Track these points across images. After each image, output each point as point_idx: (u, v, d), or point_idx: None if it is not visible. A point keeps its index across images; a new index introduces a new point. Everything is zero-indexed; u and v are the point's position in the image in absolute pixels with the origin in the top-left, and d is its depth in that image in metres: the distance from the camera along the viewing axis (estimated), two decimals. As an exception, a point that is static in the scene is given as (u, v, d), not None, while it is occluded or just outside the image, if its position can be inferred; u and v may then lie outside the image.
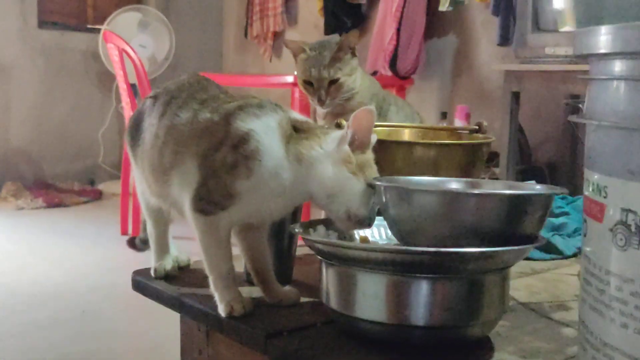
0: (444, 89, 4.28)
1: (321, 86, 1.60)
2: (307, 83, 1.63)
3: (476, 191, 0.88)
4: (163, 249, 1.20)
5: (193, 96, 1.08)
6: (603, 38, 0.64)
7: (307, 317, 1.00)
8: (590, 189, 0.69)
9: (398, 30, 4.06)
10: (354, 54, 1.65)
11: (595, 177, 0.67)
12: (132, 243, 1.33)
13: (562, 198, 1.71)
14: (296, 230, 0.97)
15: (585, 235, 0.71)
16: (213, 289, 1.01)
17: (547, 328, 1.00)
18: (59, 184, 5.23)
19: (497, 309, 0.90)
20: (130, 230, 3.89)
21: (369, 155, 1.00)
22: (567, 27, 3.15)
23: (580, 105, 1.41)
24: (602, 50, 0.64)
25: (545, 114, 3.72)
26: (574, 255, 1.41)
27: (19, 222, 4.36)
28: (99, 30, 5.00)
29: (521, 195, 0.86)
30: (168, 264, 1.18)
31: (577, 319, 1.02)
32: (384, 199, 0.94)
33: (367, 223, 0.98)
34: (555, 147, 3.71)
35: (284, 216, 1.07)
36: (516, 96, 3.25)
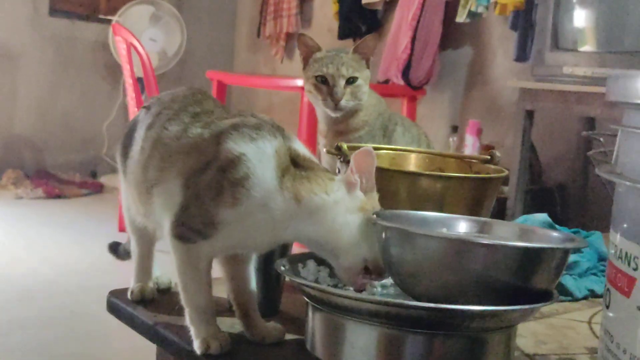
0: (456, 101, 4.19)
1: (337, 83, 1.50)
2: (321, 82, 1.52)
3: (486, 241, 0.79)
4: (145, 270, 1.12)
5: (185, 109, 1.00)
6: (643, 85, 0.55)
7: (290, 358, 0.91)
8: (617, 255, 0.60)
9: (413, 39, 3.96)
10: (367, 66, 1.56)
11: (624, 243, 0.58)
12: (114, 249, 1.27)
13: (575, 232, 1.60)
14: (282, 268, 0.88)
15: (607, 307, 0.62)
16: (189, 323, 0.93)
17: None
18: (61, 174, 5.15)
19: (500, 368, 0.81)
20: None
21: (375, 196, 0.92)
22: (587, 47, 3.05)
23: (600, 139, 1.31)
24: (641, 100, 0.55)
25: (559, 135, 3.62)
26: (585, 297, 1.32)
27: (17, 212, 4.29)
28: (110, 21, 4.93)
29: (536, 249, 0.77)
30: (147, 287, 1.10)
31: (586, 379, 0.92)
32: (383, 237, 0.85)
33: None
34: (567, 169, 3.61)
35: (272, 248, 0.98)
36: (530, 115, 3.15)
